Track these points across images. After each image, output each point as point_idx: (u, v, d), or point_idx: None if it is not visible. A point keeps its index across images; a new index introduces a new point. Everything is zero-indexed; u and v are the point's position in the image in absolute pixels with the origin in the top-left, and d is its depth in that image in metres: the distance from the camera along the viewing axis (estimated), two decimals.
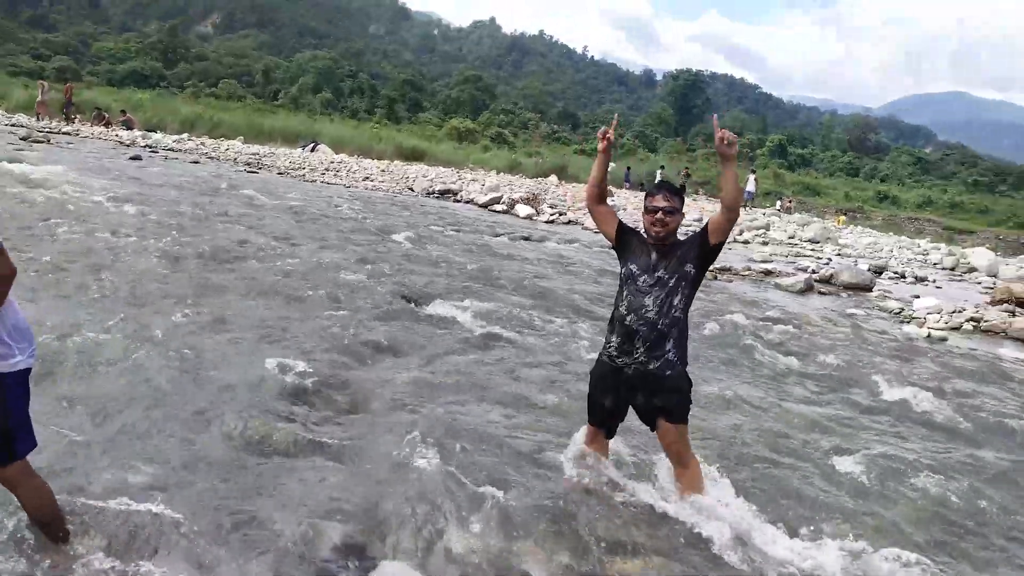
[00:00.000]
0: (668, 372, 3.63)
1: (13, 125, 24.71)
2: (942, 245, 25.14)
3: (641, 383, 3.66)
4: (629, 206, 23.04)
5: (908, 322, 10.56)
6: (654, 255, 3.67)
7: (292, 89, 67.54)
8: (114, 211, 10.45)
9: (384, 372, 5.50)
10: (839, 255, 18.48)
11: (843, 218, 35.62)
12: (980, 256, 19.24)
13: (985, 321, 10.60)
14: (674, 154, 54.18)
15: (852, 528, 3.89)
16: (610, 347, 3.76)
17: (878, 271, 15.55)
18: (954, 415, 6.10)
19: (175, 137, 28.74)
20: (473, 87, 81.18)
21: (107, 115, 30.85)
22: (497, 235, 14.77)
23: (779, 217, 28.63)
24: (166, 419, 4.16)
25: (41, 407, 4.09)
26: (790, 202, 38.69)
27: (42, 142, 20.39)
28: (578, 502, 3.69)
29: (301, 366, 5.15)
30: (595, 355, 4.03)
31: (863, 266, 15.56)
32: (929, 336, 9.67)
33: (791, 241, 20.33)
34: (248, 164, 23.53)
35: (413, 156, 35.28)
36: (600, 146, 3.86)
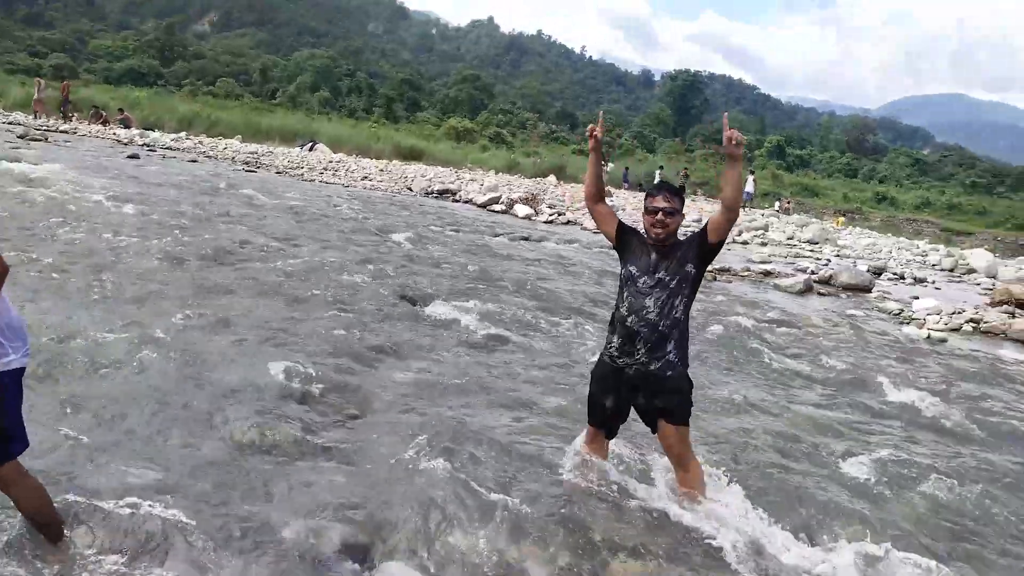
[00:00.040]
0: (669, 373, 3.63)
1: (10, 123, 24.65)
2: (941, 246, 25.17)
3: (642, 383, 3.66)
4: (628, 206, 23.04)
5: (908, 323, 10.56)
6: (654, 256, 3.66)
7: (290, 88, 67.54)
8: (114, 211, 10.42)
9: (386, 373, 5.48)
10: (838, 256, 18.49)
11: (842, 219, 35.65)
12: (979, 257, 19.25)
13: (985, 322, 10.60)
14: (672, 154, 54.19)
15: (862, 532, 3.86)
16: (611, 348, 3.75)
17: (877, 272, 15.55)
18: (961, 418, 6.07)
19: (173, 136, 28.69)
20: (471, 87, 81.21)
21: (104, 113, 30.79)
22: (496, 235, 14.75)
23: (778, 218, 28.66)
24: (168, 420, 4.14)
25: (43, 408, 4.10)
26: (788, 203, 38.75)
27: (39, 140, 20.35)
28: (580, 504, 3.68)
29: (303, 367, 5.13)
30: (596, 356, 4.02)
31: (862, 267, 15.55)
32: (929, 337, 9.66)
33: (790, 242, 20.34)
34: (246, 163, 23.50)
35: (411, 156, 35.25)
36: (590, 144, 3.88)
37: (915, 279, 15.37)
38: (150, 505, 3.18)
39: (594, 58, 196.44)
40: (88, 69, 62.10)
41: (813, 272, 14.19)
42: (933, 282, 15.37)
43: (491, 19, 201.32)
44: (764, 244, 19.25)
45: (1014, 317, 10.98)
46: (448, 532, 3.31)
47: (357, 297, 7.50)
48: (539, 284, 9.56)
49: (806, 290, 12.46)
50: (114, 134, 26.64)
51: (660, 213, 3.59)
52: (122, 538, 3.00)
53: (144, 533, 3.03)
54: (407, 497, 3.52)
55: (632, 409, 3.83)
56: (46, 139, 20.98)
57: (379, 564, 3.13)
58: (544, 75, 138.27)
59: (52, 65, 56.57)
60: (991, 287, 14.68)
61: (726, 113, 4.19)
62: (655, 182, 34.03)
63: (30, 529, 2.89)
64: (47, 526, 2.90)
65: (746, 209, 29.72)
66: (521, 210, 19.76)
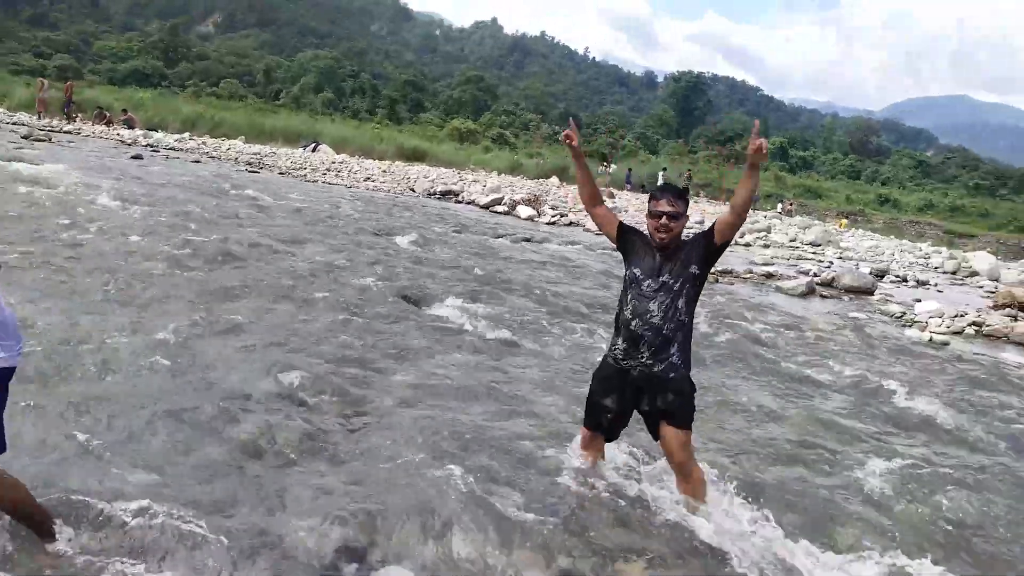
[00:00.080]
0: (672, 375, 3.62)
1: (15, 123, 24.71)
2: (943, 249, 25.12)
3: (646, 385, 3.65)
4: (631, 208, 23.03)
5: (910, 326, 10.54)
6: (658, 258, 3.65)
7: (294, 89, 67.69)
8: (118, 211, 10.43)
9: (388, 376, 5.48)
10: (840, 258, 18.47)
11: (845, 221, 35.64)
12: (981, 260, 19.22)
13: (987, 325, 10.58)
14: (675, 156, 54.19)
15: (870, 539, 3.85)
16: (616, 350, 3.75)
17: (880, 275, 15.53)
18: (970, 424, 6.01)
19: (176, 136, 28.74)
20: (475, 88, 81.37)
21: (108, 114, 30.87)
22: (499, 236, 14.76)
23: (780, 220, 28.63)
24: (170, 423, 4.14)
25: (48, 409, 4.11)
26: (791, 205, 38.75)
27: (43, 141, 20.38)
28: (579, 508, 3.68)
29: (305, 370, 5.13)
30: (599, 358, 4.02)
31: (865, 270, 15.53)
32: (931, 340, 9.64)
33: (792, 244, 20.33)
34: (249, 164, 23.52)
35: (414, 157, 35.27)
36: (570, 152, 3.90)
37: (917, 282, 15.35)
38: (151, 508, 3.18)
39: (597, 59, 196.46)
40: (92, 70, 62.30)
41: (815, 274, 14.17)
42: (935, 285, 15.35)
43: (495, 20, 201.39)
44: (766, 246, 19.24)
45: (1016, 320, 10.96)
46: (448, 536, 3.31)
47: (360, 299, 7.50)
48: (542, 286, 9.55)
49: (808, 292, 12.44)
50: (118, 135, 26.69)
51: (664, 217, 3.58)
52: (122, 540, 3.01)
53: (145, 536, 3.04)
54: (408, 500, 3.52)
55: (635, 413, 3.83)
56: (50, 139, 21.02)
57: (379, 567, 3.13)
58: (547, 76, 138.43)
59: (56, 66, 56.73)
60: (993, 290, 14.66)
61: (756, 121, 4.19)
62: (659, 184, 34.14)
63: (27, 532, 2.89)
64: (34, 522, 2.89)
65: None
66: (524, 211, 19.77)
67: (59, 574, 2.81)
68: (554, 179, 32.60)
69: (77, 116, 30.25)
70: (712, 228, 3.64)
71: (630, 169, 39.21)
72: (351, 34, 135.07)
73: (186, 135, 29.82)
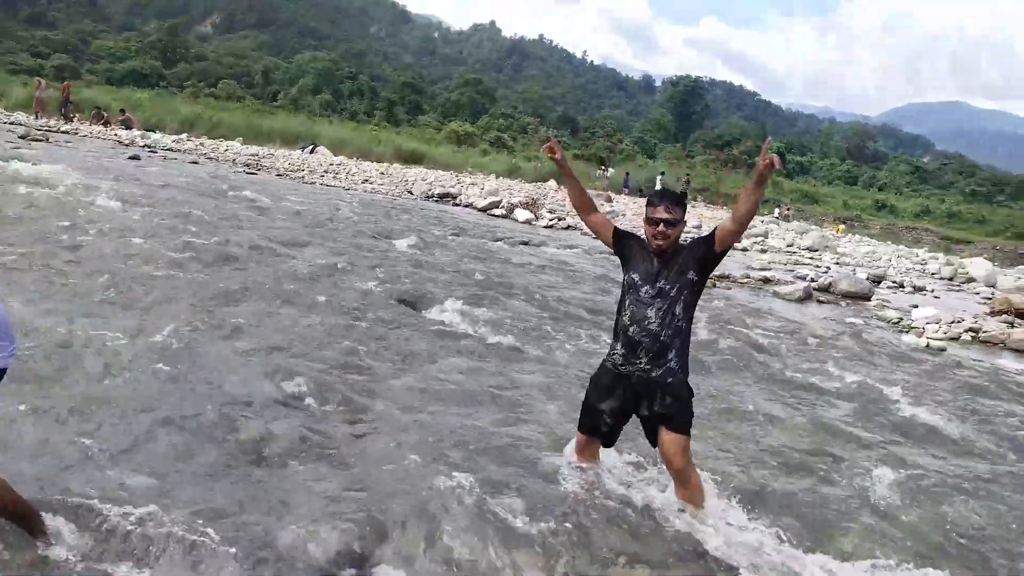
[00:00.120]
0: (670, 379, 3.64)
1: (12, 123, 24.66)
2: (940, 255, 25.19)
3: (644, 390, 3.67)
4: (628, 212, 23.06)
5: (907, 332, 10.57)
6: (656, 263, 3.66)
7: (292, 90, 67.64)
8: (117, 213, 10.41)
9: (389, 380, 5.48)
10: (837, 264, 18.50)
11: (842, 227, 35.70)
12: (978, 266, 19.25)
13: (984, 332, 10.60)
14: (673, 160, 54.23)
15: (869, 547, 3.84)
16: (615, 355, 3.76)
17: (876, 280, 15.56)
18: (971, 431, 6.00)
19: (174, 137, 28.70)
20: (473, 90, 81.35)
21: (106, 114, 30.81)
22: (497, 240, 14.77)
23: (777, 225, 28.68)
24: (168, 425, 4.14)
25: (46, 411, 4.10)
26: (788, 210, 38.79)
27: (41, 141, 20.35)
28: (578, 512, 3.68)
29: (307, 373, 5.13)
30: (596, 362, 4.02)
31: (861, 275, 15.56)
32: (928, 346, 9.67)
33: (789, 249, 20.37)
34: (247, 165, 23.51)
35: (412, 159, 35.25)
36: (557, 165, 3.94)
37: (914, 287, 15.39)
38: (152, 512, 3.18)
39: (595, 63, 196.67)
40: (90, 70, 62.17)
41: (813, 280, 14.21)
42: (932, 291, 15.37)
43: (493, 23, 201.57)
44: (764, 251, 19.27)
45: (1013, 327, 10.99)
46: (449, 541, 3.32)
47: (361, 303, 7.49)
48: (543, 291, 9.56)
49: (806, 297, 12.47)
50: (115, 135, 26.65)
51: (662, 224, 3.59)
52: (123, 545, 3.01)
53: (146, 540, 3.04)
54: (409, 505, 3.53)
55: (632, 419, 3.83)
56: (47, 139, 20.99)
57: (377, 571, 3.13)
58: (546, 79, 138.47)
59: (54, 66, 56.62)
60: (990, 296, 14.69)
61: (769, 138, 4.23)
62: (657, 189, 34.09)
63: (22, 534, 2.89)
64: (21, 519, 2.88)
65: None
66: (521, 215, 19.79)
67: None
68: (552, 182, 32.56)
69: (75, 116, 30.20)
70: (712, 234, 3.64)
71: (628, 173, 39.26)
72: (349, 36, 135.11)
73: (184, 136, 29.78)
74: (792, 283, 13.40)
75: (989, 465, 5.35)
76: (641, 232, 3.80)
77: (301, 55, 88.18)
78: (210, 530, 3.15)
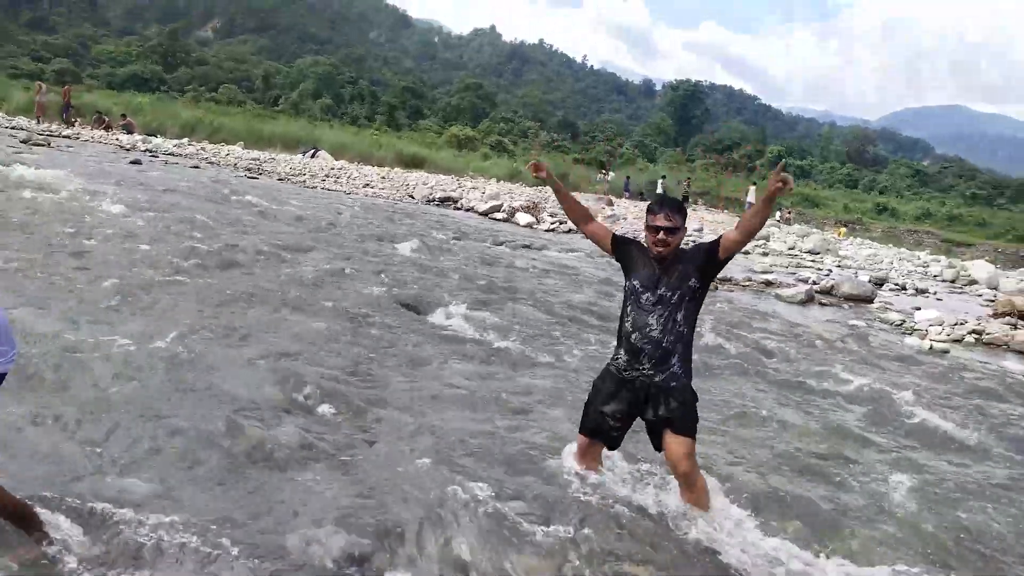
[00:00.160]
0: (673, 384, 3.65)
1: (13, 128, 24.68)
2: (942, 257, 25.20)
3: (648, 394, 3.67)
4: (629, 215, 23.07)
5: (910, 334, 10.57)
6: (656, 269, 3.67)
7: (292, 95, 67.67)
8: (121, 218, 10.40)
9: (393, 384, 5.48)
10: (839, 266, 18.51)
11: (844, 230, 35.73)
12: (980, 268, 19.28)
13: (987, 334, 10.61)
14: (673, 164, 54.35)
15: (887, 553, 3.82)
16: (618, 360, 3.77)
17: (879, 283, 15.57)
18: (981, 435, 5.98)
19: (175, 141, 28.72)
20: (473, 95, 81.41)
21: (107, 119, 30.86)
22: (499, 244, 14.77)
23: (779, 228, 28.70)
24: (171, 429, 4.14)
25: (49, 415, 4.10)
26: (789, 213, 38.84)
27: (42, 145, 20.36)
28: (583, 516, 3.67)
29: (312, 378, 5.13)
30: (599, 366, 4.02)
31: (864, 278, 15.58)
32: (931, 348, 9.67)
33: (791, 252, 20.38)
34: (248, 169, 23.53)
35: (413, 163, 35.30)
36: (547, 184, 4.02)
37: (917, 290, 15.39)
38: (156, 516, 3.19)
39: (595, 67, 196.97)
40: (91, 74, 62.19)
41: (815, 282, 14.22)
42: (935, 293, 15.38)
43: (493, 28, 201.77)
44: (765, 254, 19.27)
45: (1016, 328, 11.00)
46: (450, 542, 3.32)
47: (365, 307, 7.48)
48: (545, 294, 9.57)
49: (808, 300, 12.48)
50: (117, 139, 26.68)
51: (662, 232, 3.60)
52: (127, 548, 3.01)
53: (150, 544, 3.04)
54: (413, 509, 3.53)
55: (635, 424, 3.83)
56: (49, 144, 21.00)
57: (380, 573, 3.13)
58: (546, 84, 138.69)
59: (55, 70, 56.67)
60: (993, 298, 14.70)
61: (784, 160, 4.25)
62: (657, 192, 34.09)
63: (20, 536, 2.89)
64: (17, 517, 2.87)
65: None
66: (522, 218, 19.80)
67: None
68: None
69: (76, 121, 30.25)
70: (717, 242, 3.64)
71: (628, 177, 39.33)
72: (350, 40, 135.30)
73: (185, 140, 29.82)
74: (794, 286, 13.41)
75: (1005, 470, 5.33)
76: (642, 236, 3.80)
77: (302, 60, 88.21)
78: (217, 535, 3.15)
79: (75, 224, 9.37)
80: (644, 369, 3.64)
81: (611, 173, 41.43)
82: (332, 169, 27.20)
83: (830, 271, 16.95)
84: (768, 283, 13.79)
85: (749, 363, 7.49)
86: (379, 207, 18.61)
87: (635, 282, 3.70)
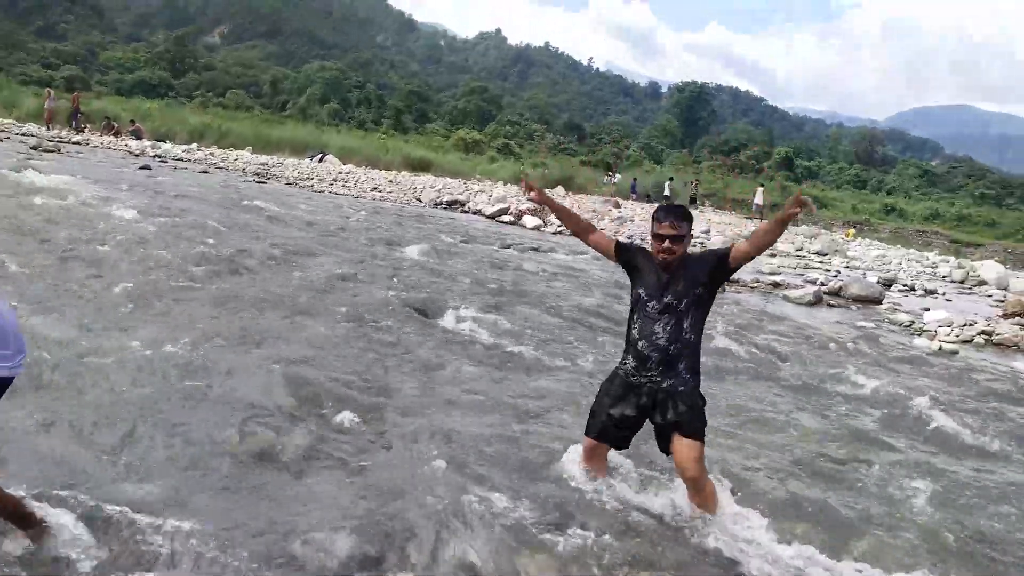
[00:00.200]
0: (681, 388, 3.67)
1: (23, 134, 24.85)
2: (951, 258, 25.04)
3: (656, 398, 3.69)
4: (636, 217, 23.05)
5: (919, 335, 10.54)
6: (663, 276, 3.68)
7: (300, 100, 67.90)
8: (132, 223, 10.45)
9: (402, 387, 5.49)
10: (847, 267, 18.44)
11: (852, 231, 35.58)
12: (989, 269, 19.16)
13: (997, 335, 10.56)
14: (680, 166, 54.24)
15: (902, 559, 3.79)
16: (626, 366, 3.79)
17: (887, 284, 15.50)
18: (1006, 440, 5.89)
19: (184, 147, 28.88)
20: (479, 98, 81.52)
21: (116, 125, 31.04)
22: (507, 247, 14.78)
23: (787, 229, 28.57)
24: (178, 432, 4.17)
25: (57, 419, 4.14)
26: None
27: (52, 151, 20.51)
28: (591, 519, 3.68)
29: (323, 382, 5.16)
30: (608, 368, 4.04)
31: (872, 279, 15.52)
32: (941, 349, 9.64)
33: (799, 253, 20.31)
34: (257, 174, 23.63)
35: (420, 167, 35.34)
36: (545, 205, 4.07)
37: (925, 291, 15.31)
38: (164, 519, 3.22)
39: (601, 69, 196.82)
40: (100, 81, 62.59)
41: (823, 283, 14.17)
42: (944, 294, 15.30)
43: (498, 31, 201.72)
44: (773, 255, 19.20)
45: None
46: (458, 545, 3.33)
47: (376, 312, 7.49)
48: (555, 297, 9.57)
49: (816, 301, 12.45)
50: (126, 145, 26.84)
51: (667, 240, 3.62)
52: (136, 551, 3.04)
53: (158, 546, 3.07)
54: (423, 512, 3.54)
55: (644, 428, 3.84)
56: (59, 150, 21.15)
57: (387, 575, 3.15)
58: (551, 87, 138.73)
59: (64, 77, 56.95)
60: (1002, 299, 14.62)
61: (803, 185, 4.24)
62: (664, 195, 33.98)
63: (22, 538, 2.91)
64: (16, 517, 2.89)
65: (754, 221, 29.71)
66: (530, 221, 19.81)
67: None
68: (559, 189, 32.61)
69: (85, 127, 30.43)
70: (728, 252, 3.66)
71: (635, 179, 39.27)
72: (356, 45, 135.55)
73: (193, 146, 29.98)
74: (802, 287, 13.38)
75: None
76: (648, 241, 3.82)
77: (309, 65, 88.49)
78: (229, 541, 3.17)
79: (88, 230, 9.44)
80: (651, 375, 3.67)
81: (618, 175, 41.41)
82: (340, 173, 27.28)
83: (838, 272, 16.89)
84: (776, 284, 13.76)
85: (761, 366, 7.48)
86: (387, 211, 18.65)
87: (640, 290, 3.73)
